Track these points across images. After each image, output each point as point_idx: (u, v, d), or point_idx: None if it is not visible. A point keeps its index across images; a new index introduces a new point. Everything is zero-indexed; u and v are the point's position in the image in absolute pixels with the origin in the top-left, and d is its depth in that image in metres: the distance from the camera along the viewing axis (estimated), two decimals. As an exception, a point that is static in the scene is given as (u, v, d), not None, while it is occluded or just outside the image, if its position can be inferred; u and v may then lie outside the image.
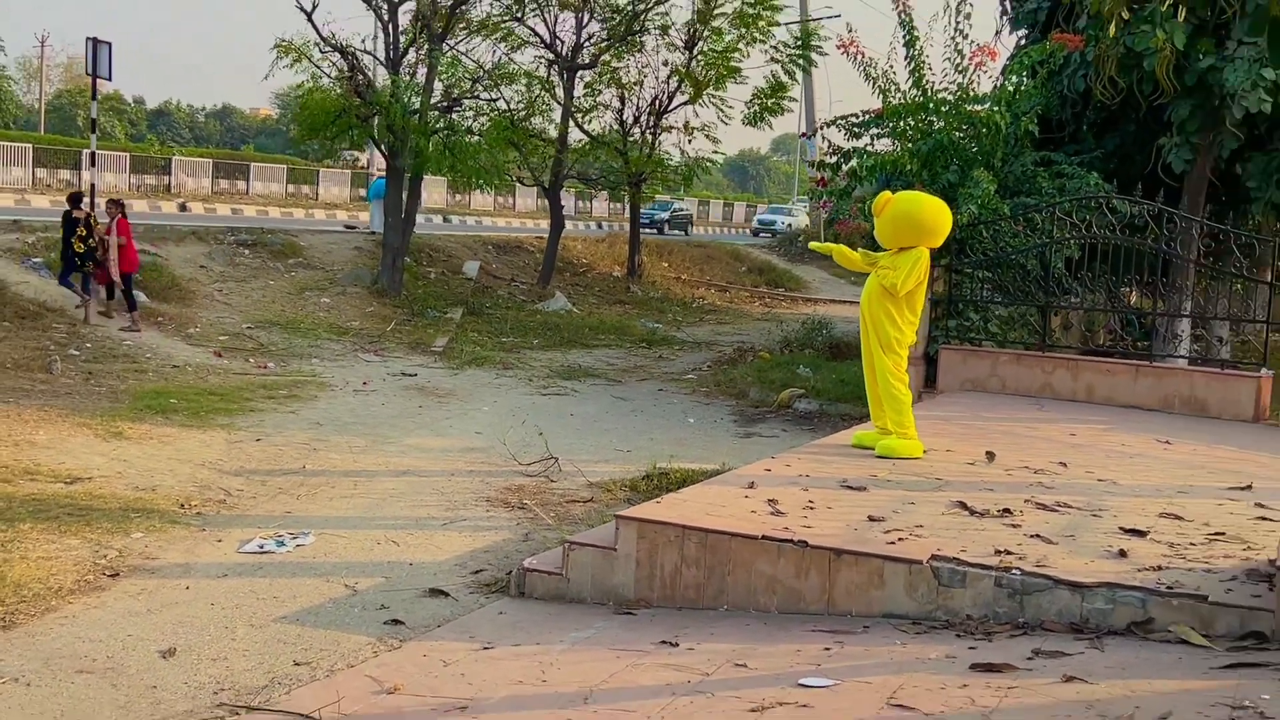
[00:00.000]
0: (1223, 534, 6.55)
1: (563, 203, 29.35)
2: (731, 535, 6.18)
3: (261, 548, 7.63)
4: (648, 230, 40.04)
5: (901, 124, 14.20)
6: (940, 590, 5.76)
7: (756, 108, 29.00)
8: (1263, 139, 14.51)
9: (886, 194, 8.62)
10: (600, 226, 48.36)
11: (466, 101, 23.69)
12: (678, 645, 5.55)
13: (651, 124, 29.94)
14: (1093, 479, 8.07)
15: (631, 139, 29.90)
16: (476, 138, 21.74)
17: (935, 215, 8.47)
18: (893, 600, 5.84)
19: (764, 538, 6.11)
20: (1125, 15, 5.50)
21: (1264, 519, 7.01)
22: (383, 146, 21.20)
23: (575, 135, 29.18)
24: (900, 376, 8.58)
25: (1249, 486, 7.95)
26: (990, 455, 8.66)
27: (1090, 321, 15.40)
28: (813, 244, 9.11)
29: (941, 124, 13.73)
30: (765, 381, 15.72)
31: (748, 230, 58.88)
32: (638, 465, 10.54)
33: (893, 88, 14.47)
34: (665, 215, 48.92)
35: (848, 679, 4.95)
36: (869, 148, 14.29)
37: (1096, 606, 5.48)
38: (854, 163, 13.67)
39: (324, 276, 21.94)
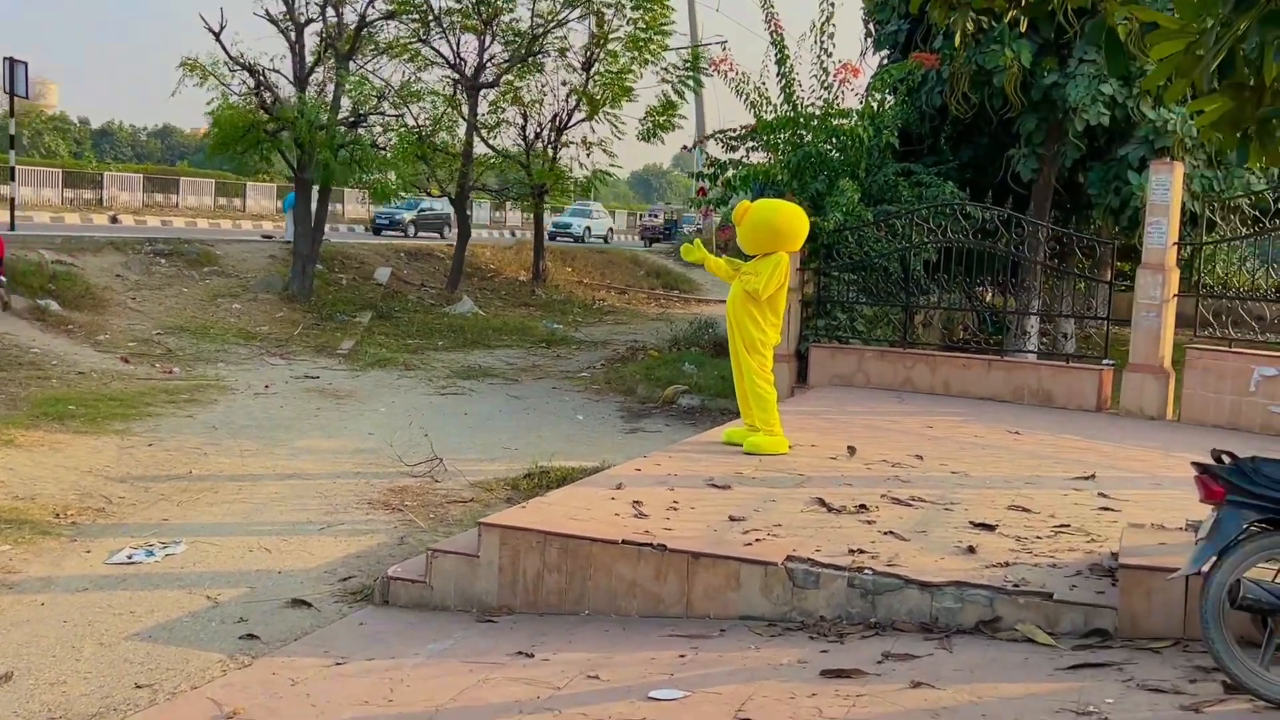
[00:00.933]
0: (1068, 526, 6.19)
1: (470, 212, 28.54)
2: (592, 540, 5.63)
3: (130, 558, 6.88)
4: (390, 232, 37.04)
5: (774, 137, 13.81)
6: (795, 591, 5.28)
7: (650, 124, 28.52)
8: (1102, 149, 14.38)
9: (745, 203, 8.16)
10: (514, 235, 47.44)
11: (374, 118, 22.83)
12: (533, 656, 4.99)
13: (552, 139, 29.32)
14: (946, 471, 7.69)
15: (534, 153, 29.26)
16: (383, 152, 20.83)
17: (791, 221, 8.04)
18: (749, 602, 5.34)
19: (624, 542, 5.57)
20: (970, 28, 5.04)
21: (1106, 509, 6.66)
22: (290, 160, 20.20)
23: (481, 149, 28.48)
24: (765, 376, 8.11)
25: (1092, 476, 7.63)
26: (851, 450, 8.25)
27: (949, 319, 15.21)
28: (683, 250, 8.60)
29: (810, 137, 13.34)
30: (652, 378, 15.21)
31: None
32: (523, 464, 9.94)
33: (765, 103, 14.08)
34: (410, 215, 39.34)
35: (698, 690, 4.43)
36: (744, 160, 13.86)
37: (945, 605, 5.04)
38: (730, 173, 13.20)
39: (237, 284, 20.91)
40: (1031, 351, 12.77)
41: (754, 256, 8.18)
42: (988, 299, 14.66)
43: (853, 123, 13.36)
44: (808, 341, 12.42)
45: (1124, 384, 10.87)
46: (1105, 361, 12.35)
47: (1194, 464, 4.27)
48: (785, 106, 13.89)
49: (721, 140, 14.42)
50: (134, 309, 18.01)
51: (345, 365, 16.18)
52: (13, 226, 22.41)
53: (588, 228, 47.08)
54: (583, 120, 29.33)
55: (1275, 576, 4.24)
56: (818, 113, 13.53)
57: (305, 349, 17.22)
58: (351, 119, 20.60)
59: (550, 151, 29.40)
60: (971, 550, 5.58)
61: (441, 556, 5.90)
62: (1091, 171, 14.04)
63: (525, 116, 29.36)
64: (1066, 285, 15.58)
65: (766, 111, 13.92)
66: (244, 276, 21.57)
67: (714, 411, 13.41)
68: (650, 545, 5.51)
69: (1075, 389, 11.08)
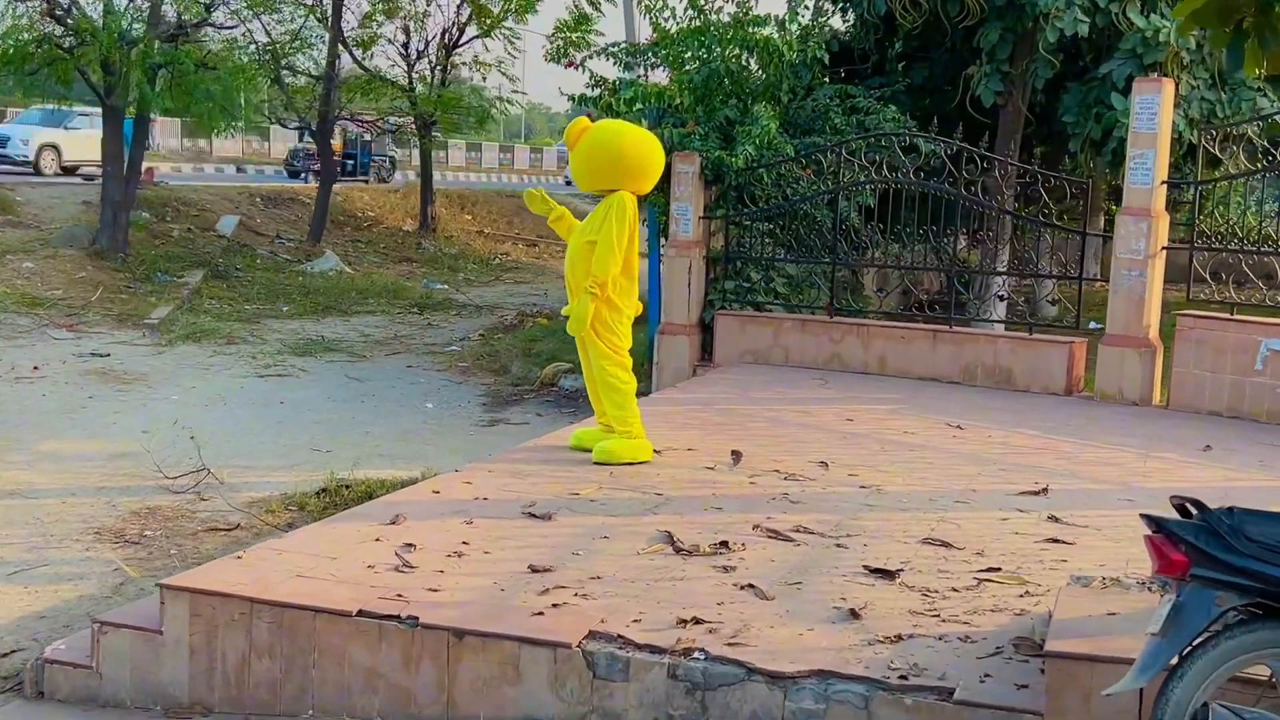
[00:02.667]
0: (998, 569, 5.21)
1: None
2: (317, 611, 4.53)
3: None
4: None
5: (676, 52, 12.68)
6: (595, 685, 4.23)
7: (560, 43, 27.24)
8: (1084, 67, 13.44)
9: (583, 121, 7.07)
10: (407, 176, 46.08)
11: (211, 32, 21.38)
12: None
13: (441, 59, 27.97)
14: (854, 485, 6.69)
15: (418, 76, 27.90)
16: (215, 72, 19.38)
17: (639, 148, 7.00)
18: (533, 699, 4.29)
19: (360, 613, 4.48)
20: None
21: (1054, 541, 5.70)
22: (96, 84, 18.70)
23: (353, 70, 27.06)
24: (618, 360, 7.07)
25: (1044, 490, 6.68)
26: (736, 456, 7.23)
27: (912, 282, 14.17)
28: (526, 196, 7.50)
29: (720, 50, 12.23)
30: (532, 354, 14.18)
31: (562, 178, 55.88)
32: (334, 469, 8.87)
33: (668, 12, 12.97)
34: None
35: None
36: (640, 80, 12.74)
37: (803, 707, 4.02)
38: (619, 95, 12.07)
39: (35, 237, 19.45)
40: (998, 320, 11.83)
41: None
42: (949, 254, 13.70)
43: (772, 32, 12.27)
44: (714, 309, 11.38)
45: (1100, 360, 9.96)
46: (1092, 324, 11.49)
47: (1144, 519, 3.26)
48: (691, 13, 12.77)
49: (617, 57, 13.26)
50: (-111, 270, 16.55)
51: (151, 339, 14.91)
52: None
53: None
54: (477, 37, 28.04)
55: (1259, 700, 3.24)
56: (730, 20, 12.42)
57: (105, 318, 15.92)
58: (173, 32, 19.08)
59: (438, 75, 28.07)
60: (855, 615, 4.57)
61: (113, 631, 4.78)
62: (1067, 94, 13.10)
63: (407, 32, 28.02)
64: (1045, 237, 14.72)
65: (667, 21, 12.81)
66: (46, 228, 20.15)
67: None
68: (397, 618, 4.43)
69: (1040, 366, 10.16)
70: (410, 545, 5.27)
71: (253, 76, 22.35)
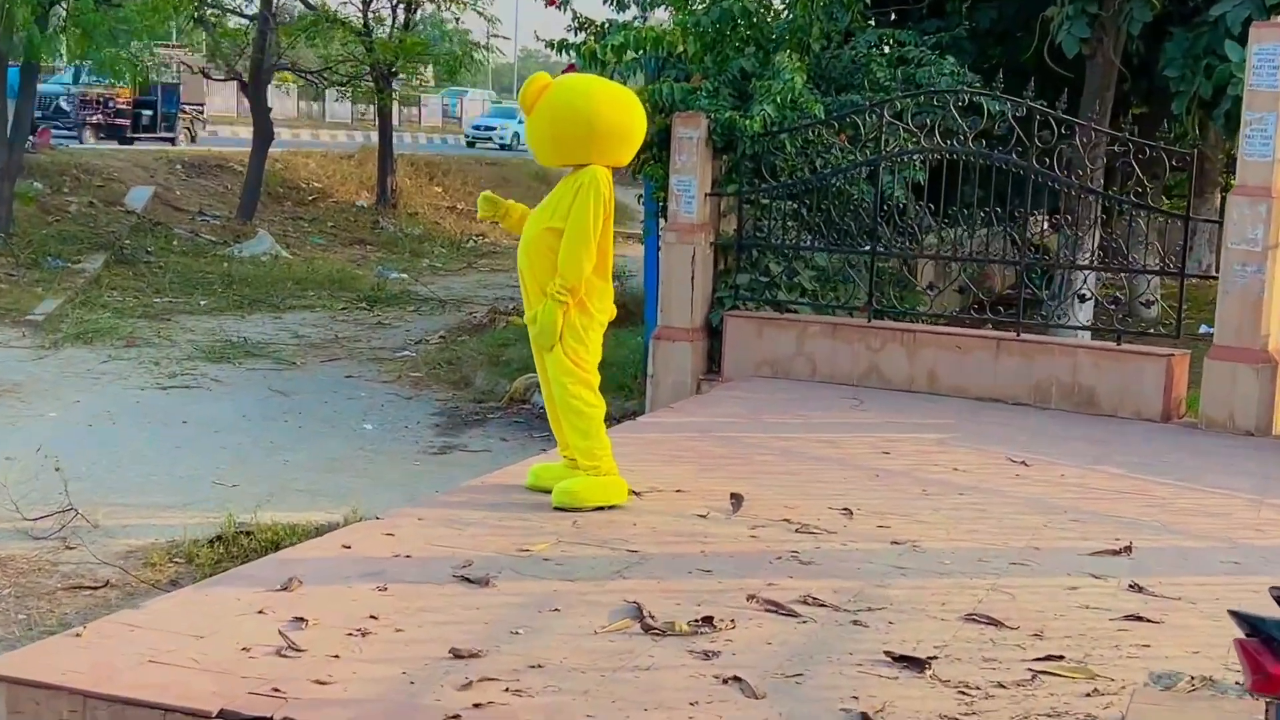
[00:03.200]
0: (1059, 658, 4.91)
1: (271, 105, 27.01)
2: (167, 710, 4.26)
3: None
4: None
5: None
6: (523, 814, 3.95)
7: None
8: (1192, 9, 13.13)
9: (541, 78, 6.80)
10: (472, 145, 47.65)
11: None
12: None
13: (402, -1, 27.84)
14: (884, 540, 6.41)
15: (375, 17, 27.74)
16: (118, 9, 19.23)
17: (614, 112, 6.72)
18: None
19: (221, 715, 4.21)
20: None
21: (1135, 618, 5.40)
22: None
23: (295, 8, 26.97)
24: (582, 376, 6.78)
25: (1126, 549, 6.38)
26: (736, 501, 6.95)
27: (973, 275, 13.79)
28: (479, 203, 7.25)
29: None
30: (500, 363, 13.98)
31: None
32: (235, 510, 8.66)
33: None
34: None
35: None
36: (634, 23, 12.49)
37: None
38: (607, 40, 11.79)
39: (-104, 212, 19.33)
40: (1078, 326, 11.55)
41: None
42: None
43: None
44: (721, 308, 11.12)
45: (1206, 377, 9.66)
46: (1202, 329, 11.19)
47: (1234, 618, 2.96)
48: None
49: (608, -6, 13.05)
50: None
51: (31, 340, 14.74)
52: None
53: (516, 134, 44.95)
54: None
55: None
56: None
57: (-25, 315, 15.78)
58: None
59: (400, 15, 27.92)
60: (868, 720, 4.29)
61: (-95, 732, 4.51)
62: (1170, 42, 12.81)
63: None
64: (1140, 222, 14.42)
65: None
66: (-90, 200, 19.99)
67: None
68: (267, 720, 4.16)
69: (1130, 385, 9.88)
70: (301, 620, 4.99)
71: (167, 16, 22.23)
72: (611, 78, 12.17)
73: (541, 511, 6.68)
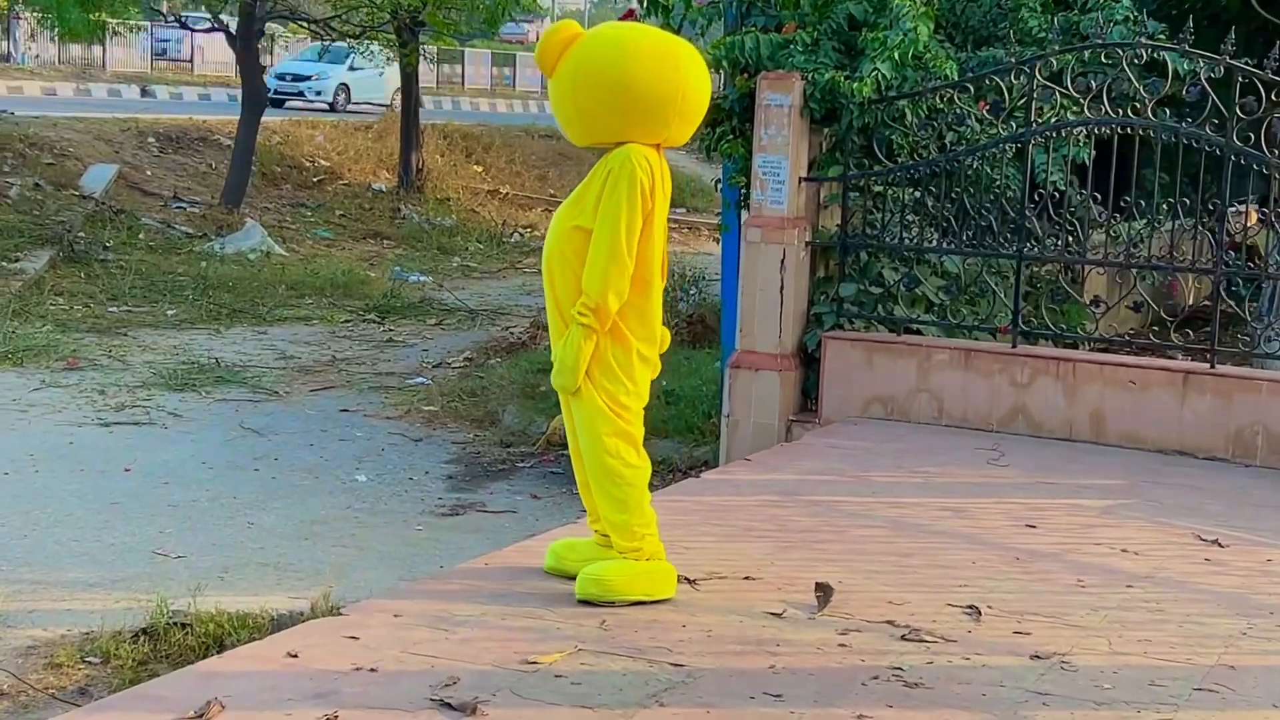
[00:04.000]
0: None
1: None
2: None
3: None
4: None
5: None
6: None
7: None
8: None
9: (568, 27, 6.35)
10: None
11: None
12: None
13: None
14: (1023, 653, 5.90)
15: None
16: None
17: (660, 68, 6.24)
18: None
19: None
20: None
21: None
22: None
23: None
24: (621, 428, 6.33)
25: (1357, 671, 5.85)
26: (824, 593, 6.47)
27: (1156, 288, 13.19)
28: None
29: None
30: (536, 395, 13.54)
31: None
32: (174, 590, 8.36)
33: None
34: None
35: None
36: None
37: None
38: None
39: None
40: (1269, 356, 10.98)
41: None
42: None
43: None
44: (822, 328, 10.66)
45: None
46: None
47: None
48: None
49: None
50: None
51: (-52, 360, 14.59)
52: None
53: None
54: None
55: None
56: None
57: (-118, 328, 15.66)
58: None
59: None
60: None
61: None
62: None
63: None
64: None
65: None
66: None
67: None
68: None
69: (1367, 437, 9.33)
70: (216, 764, 4.60)
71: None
72: (679, 31, 11.83)
73: (561, 605, 6.25)
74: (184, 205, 24.58)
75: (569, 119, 6.38)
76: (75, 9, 20.17)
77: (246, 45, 25.34)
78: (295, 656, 5.55)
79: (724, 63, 11.03)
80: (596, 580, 6.27)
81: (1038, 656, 5.90)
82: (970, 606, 6.45)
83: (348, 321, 18.46)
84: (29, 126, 25.59)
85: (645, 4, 11.71)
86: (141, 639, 7.40)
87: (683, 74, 6.28)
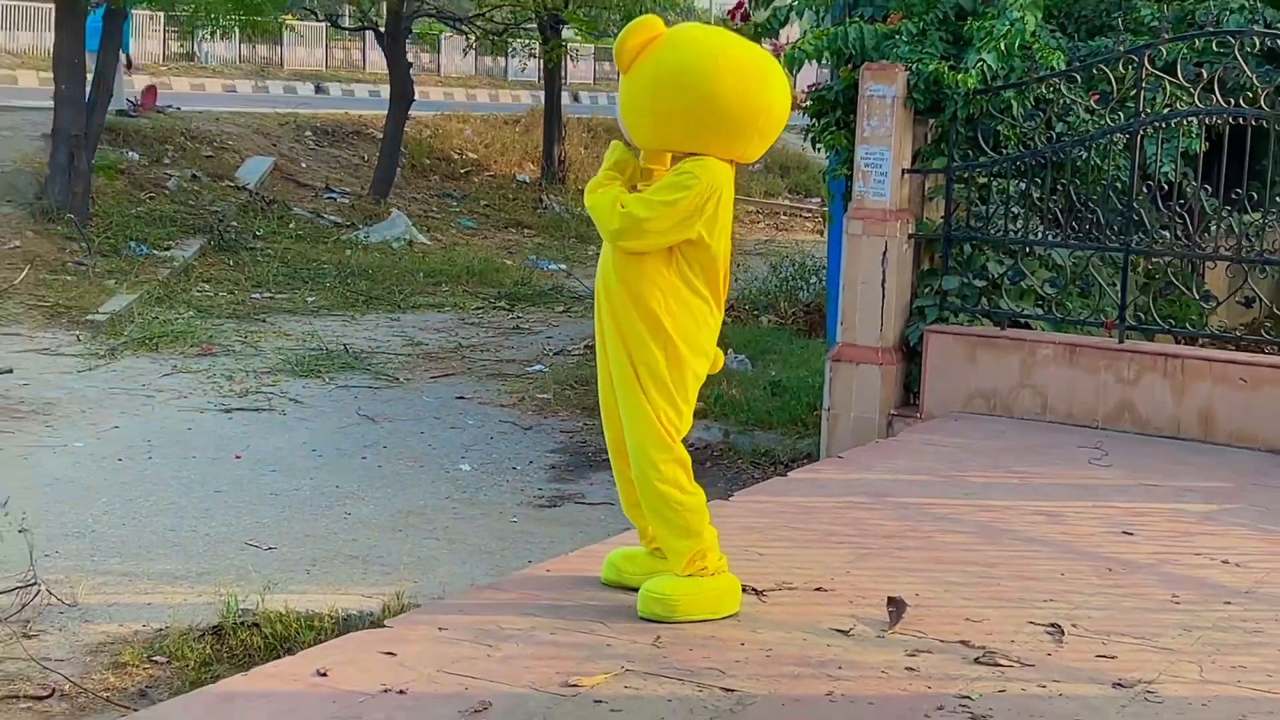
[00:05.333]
0: None
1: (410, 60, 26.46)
2: None
3: None
4: None
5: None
6: None
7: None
8: None
9: (651, 24, 5.62)
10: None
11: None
12: None
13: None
14: (1105, 681, 5.15)
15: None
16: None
17: (747, 82, 5.51)
18: None
19: None
20: None
21: None
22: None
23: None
24: (677, 454, 5.58)
25: None
26: (896, 608, 5.75)
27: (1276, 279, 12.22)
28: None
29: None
30: (652, 383, 12.90)
31: None
32: (262, 584, 7.83)
33: None
34: None
35: None
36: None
37: None
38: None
39: (-45, 188, 19.12)
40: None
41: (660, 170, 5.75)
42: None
43: None
44: (925, 321, 9.89)
45: None
46: None
47: None
48: None
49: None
50: None
51: (87, 346, 14.20)
52: None
53: None
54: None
55: None
56: None
57: (30, 311, 15.45)
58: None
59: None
60: None
61: None
62: None
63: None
64: None
65: None
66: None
67: (744, 457, 11.12)
68: None
69: None
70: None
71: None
72: (785, 21, 11.13)
73: (617, 620, 5.57)
74: (334, 195, 24.19)
75: (639, 120, 5.63)
76: (228, 9, 19.72)
77: (394, 43, 24.89)
78: (324, 675, 4.95)
79: (826, 53, 10.30)
80: (660, 599, 5.58)
81: (1121, 685, 5.15)
82: (1053, 625, 5.71)
83: (479, 308, 17.87)
84: (191, 121, 25.27)
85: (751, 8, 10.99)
86: (209, 637, 6.86)
87: (770, 91, 5.57)
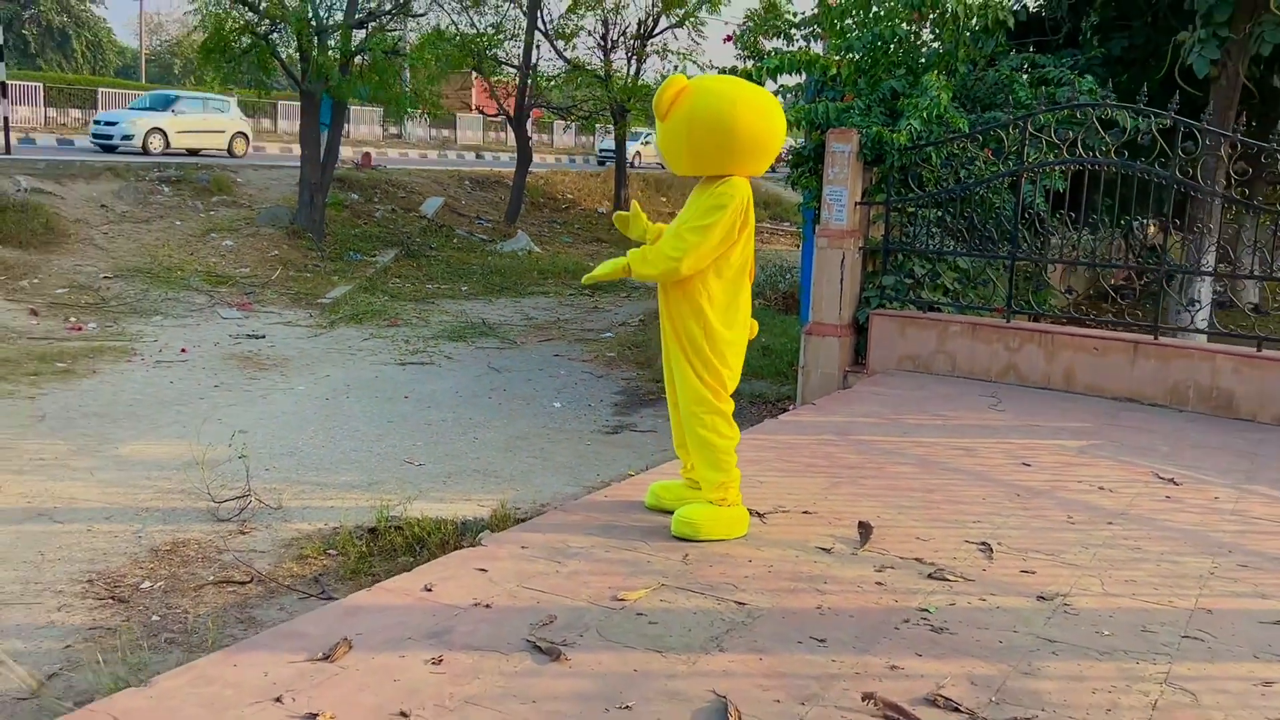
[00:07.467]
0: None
1: (530, 135, 25.23)
2: None
3: None
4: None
5: (840, 25, 10.00)
6: None
7: (751, 24, 24.56)
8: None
9: (679, 80, 4.54)
10: (602, 164, 42.74)
11: (408, 20, 19.66)
12: None
13: (635, 49, 25.73)
14: (1030, 594, 4.07)
15: (613, 66, 25.74)
16: (402, 60, 17.59)
17: (757, 120, 4.44)
18: None
19: None
20: None
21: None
22: (289, 69, 17.14)
23: (551, 61, 25.14)
24: (718, 407, 4.59)
25: (1320, 616, 3.92)
26: (864, 531, 4.67)
27: (1102, 277, 11.05)
28: (617, 216, 5.01)
29: (889, 8, 9.49)
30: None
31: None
32: (413, 490, 6.82)
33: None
34: None
35: None
36: (793, 49, 10.10)
37: None
38: (764, 63, 9.45)
39: (242, 216, 18.12)
40: (1199, 330, 8.79)
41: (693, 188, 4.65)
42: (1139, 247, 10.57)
43: (949, -5, 9.42)
44: (870, 307, 8.74)
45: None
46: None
47: None
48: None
49: (774, 27, 10.67)
50: (100, 247, 15.36)
51: (315, 320, 13.20)
52: (7, 149, 20.16)
53: (638, 152, 39.17)
54: (670, 28, 25.70)
55: None
56: (900, -18, 9.63)
57: (281, 296, 14.36)
58: (361, 18, 17.31)
59: (633, 64, 25.87)
60: None
61: None
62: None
63: (606, 24, 25.86)
64: (1254, 229, 11.38)
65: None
66: (256, 208, 18.80)
67: (743, 398, 9.97)
68: None
69: (1269, 390, 7.18)
70: (314, 716, 2.99)
71: (458, 64, 20.67)
72: (761, 80, 9.89)
73: (655, 539, 4.53)
74: (483, 221, 23.06)
75: (678, 153, 4.52)
76: (407, 105, 18.58)
77: (519, 123, 23.66)
78: (430, 590, 3.91)
79: (803, 123, 9.12)
80: (689, 523, 4.53)
81: (1043, 598, 4.05)
82: (983, 544, 4.61)
83: (571, 295, 16.78)
84: (393, 174, 24.28)
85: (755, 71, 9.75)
86: (367, 537, 5.84)
87: (773, 122, 4.47)
